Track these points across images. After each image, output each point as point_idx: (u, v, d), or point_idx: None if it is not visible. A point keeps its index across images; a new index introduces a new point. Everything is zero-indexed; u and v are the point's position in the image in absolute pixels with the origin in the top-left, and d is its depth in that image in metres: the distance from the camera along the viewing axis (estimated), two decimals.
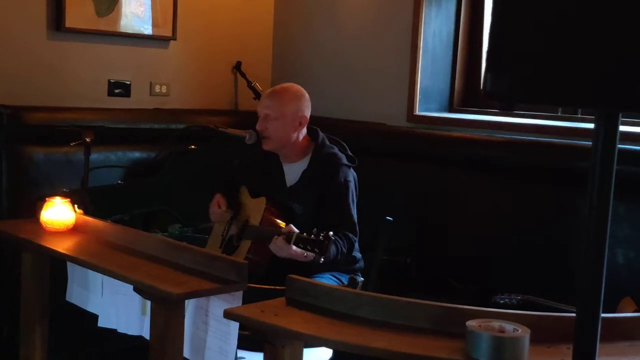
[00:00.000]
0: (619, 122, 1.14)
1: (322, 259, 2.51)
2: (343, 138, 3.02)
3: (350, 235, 2.77)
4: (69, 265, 2.69)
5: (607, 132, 1.14)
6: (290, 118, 2.86)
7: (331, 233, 2.50)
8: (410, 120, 3.95)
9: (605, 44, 1.05)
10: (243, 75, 4.47)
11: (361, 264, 2.94)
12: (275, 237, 2.59)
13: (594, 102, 1.10)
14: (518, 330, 1.59)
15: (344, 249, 2.71)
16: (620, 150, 1.15)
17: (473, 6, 4.03)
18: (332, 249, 2.59)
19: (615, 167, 1.15)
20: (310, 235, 2.50)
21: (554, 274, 3.08)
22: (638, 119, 3.33)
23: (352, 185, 2.85)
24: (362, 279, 2.81)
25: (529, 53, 1.10)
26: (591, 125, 1.15)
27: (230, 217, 2.99)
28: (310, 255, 2.52)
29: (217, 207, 2.98)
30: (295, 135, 2.89)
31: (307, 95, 2.92)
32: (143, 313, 2.42)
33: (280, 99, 2.88)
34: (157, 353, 2.12)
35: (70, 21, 3.82)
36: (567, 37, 1.07)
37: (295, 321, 1.81)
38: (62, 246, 2.47)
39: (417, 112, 3.94)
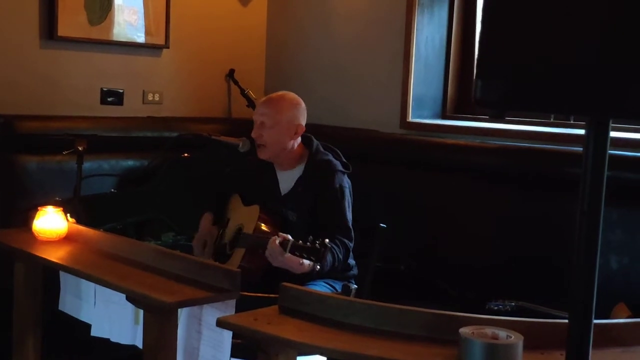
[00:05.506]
0: (610, 129, 1.15)
1: (318, 267, 2.49)
2: (336, 145, 3.02)
3: (346, 241, 2.74)
4: (62, 274, 2.68)
5: (597, 139, 1.14)
6: (286, 126, 2.84)
7: (327, 240, 2.46)
8: (403, 127, 3.95)
9: (594, 51, 1.05)
10: (236, 82, 4.47)
11: (355, 271, 2.93)
12: (270, 244, 2.56)
13: (584, 110, 1.11)
14: (511, 337, 1.59)
15: (340, 255, 2.69)
16: (615, 156, 1.16)
17: (465, 13, 4.04)
18: (328, 256, 2.56)
19: (606, 173, 1.15)
20: (306, 243, 2.46)
21: (547, 280, 3.07)
22: (630, 124, 3.34)
23: (347, 192, 2.84)
24: (355, 286, 2.80)
25: (519, 61, 1.10)
26: (583, 132, 1.15)
27: (222, 228, 2.99)
28: (306, 263, 2.50)
29: (202, 246, 2.98)
30: (290, 143, 2.87)
31: (303, 103, 2.91)
32: (136, 322, 2.41)
33: (275, 107, 2.86)
34: None
35: (63, 30, 3.82)
36: (557, 45, 1.07)
37: (288, 329, 1.81)
38: (55, 255, 2.46)
39: (410, 119, 3.94)
